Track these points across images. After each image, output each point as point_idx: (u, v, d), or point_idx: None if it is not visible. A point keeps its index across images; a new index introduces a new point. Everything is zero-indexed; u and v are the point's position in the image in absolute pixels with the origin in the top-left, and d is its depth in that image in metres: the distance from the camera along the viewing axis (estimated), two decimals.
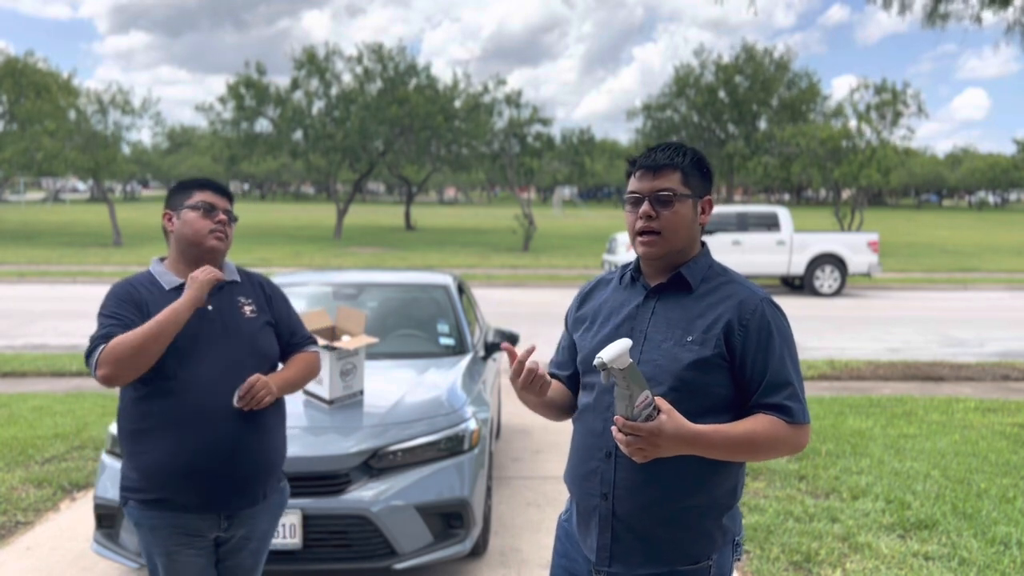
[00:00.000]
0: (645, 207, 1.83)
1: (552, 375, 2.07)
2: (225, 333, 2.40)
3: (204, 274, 2.34)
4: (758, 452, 1.77)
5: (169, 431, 2.32)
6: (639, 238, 1.86)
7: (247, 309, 2.48)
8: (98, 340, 2.27)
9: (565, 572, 1.99)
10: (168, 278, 2.44)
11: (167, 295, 2.39)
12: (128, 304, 2.34)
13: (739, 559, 1.93)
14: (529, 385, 1.81)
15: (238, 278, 2.55)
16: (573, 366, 2.04)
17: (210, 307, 2.41)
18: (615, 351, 1.57)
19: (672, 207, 1.83)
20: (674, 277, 1.87)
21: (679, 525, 1.81)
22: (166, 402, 2.31)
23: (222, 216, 2.44)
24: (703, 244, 1.95)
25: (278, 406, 2.53)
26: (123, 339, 2.23)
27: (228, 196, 2.51)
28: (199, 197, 2.43)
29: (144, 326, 2.25)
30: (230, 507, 2.41)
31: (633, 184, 1.88)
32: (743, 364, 1.78)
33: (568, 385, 2.07)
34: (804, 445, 1.81)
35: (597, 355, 1.58)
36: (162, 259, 2.51)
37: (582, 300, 2.06)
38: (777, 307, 1.85)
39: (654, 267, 1.90)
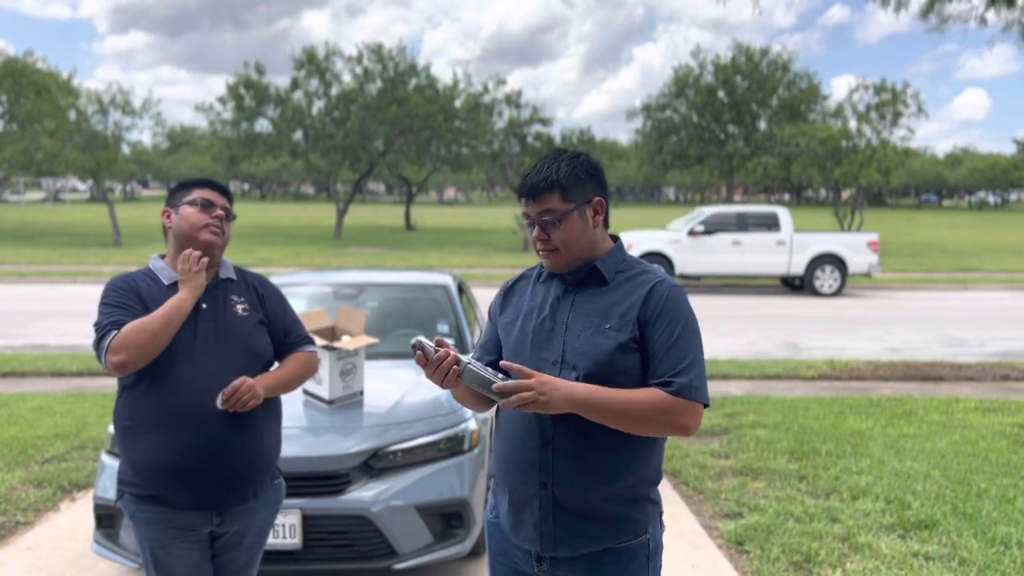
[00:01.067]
0: (536, 231, 1.96)
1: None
2: (217, 332, 2.42)
3: (191, 264, 2.37)
4: (637, 420, 1.83)
5: (160, 429, 2.34)
6: (541, 253, 1.98)
7: (239, 308, 2.49)
8: (108, 327, 2.30)
9: (506, 569, 2.05)
10: (167, 273, 2.47)
11: (166, 290, 2.42)
12: (130, 294, 2.38)
13: (664, 529, 2.04)
14: (447, 374, 1.86)
15: (233, 276, 2.56)
16: (496, 357, 2.09)
17: (204, 305, 2.43)
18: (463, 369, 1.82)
19: (558, 226, 1.93)
20: (590, 272, 1.97)
21: (617, 503, 1.91)
22: (157, 399, 2.33)
23: (219, 212, 2.46)
24: (615, 238, 2.06)
25: (271, 405, 2.54)
26: (135, 326, 2.28)
27: (227, 195, 2.53)
28: (198, 194, 2.47)
29: (155, 314, 2.31)
30: (220, 505, 2.42)
31: (524, 207, 1.99)
32: (647, 344, 1.88)
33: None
34: (691, 424, 1.85)
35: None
36: (161, 256, 2.54)
37: (505, 295, 2.14)
38: (683, 293, 1.94)
39: (562, 270, 2.01)
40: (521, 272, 2.18)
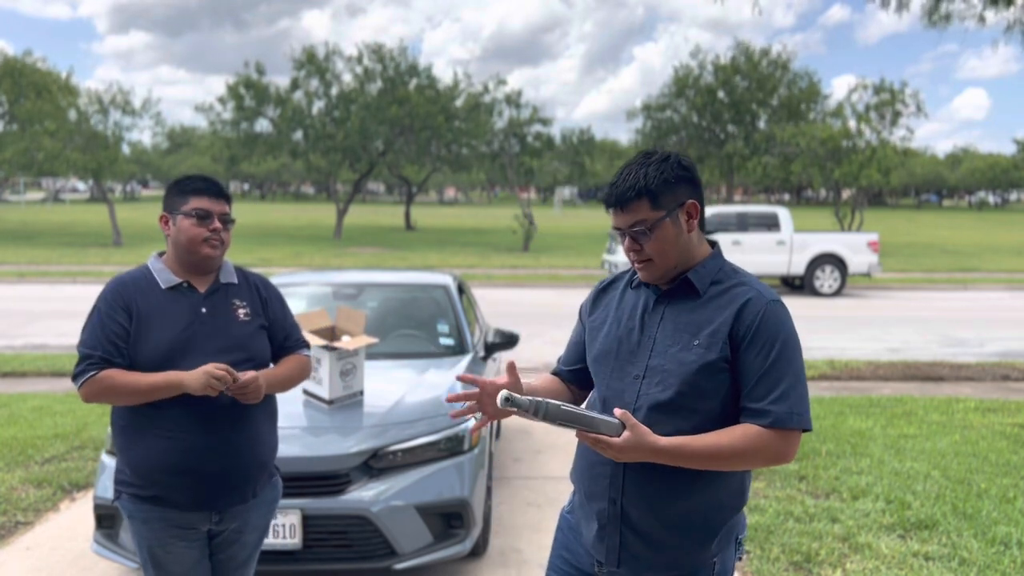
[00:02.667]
0: (627, 243, 1.85)
1: (556, 372, 2.11)
2: (217, 336, 2.41)
3: (218, 385, 2.29)
4: (726, 463, 1.74)
5: (159, 430, 2.34)
6: (636, 265, 1.88)
7: (241, 312, 2.49)
8: (88, 365, 2.32)
9: (566, 564, 2.00)
10: (165, 276, 2.44)
11: (162, 294, 2.41)
12: (119, 310, 2.36)
13: (740, 558, 1.94)
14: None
15: (235, 279, 2.54)
16: (579, 361, 2.05)
17: (204, 310, 2.42)
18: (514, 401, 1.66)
19: (650, 236, 1.81)
20: (682, 283, 1.86)
21: (686, 528, 1.81)
22: (158, 401, 2.32)
23: (216, 224, 2.42)
24: (714, 244, 1.93)
25: (268, 404, 2.54)
26: (115, 382, 2.29)
27: (225, 197, 2.48)
28: (194, 203, 2.40)
29: (141, 381, 2.29)
30: (219, 506, 2.42)
31: (612, 218, 1.87)
32: (740, 366, 1.76)
33: (570, 380, 2.09)
34: (789, 453, 1.75)
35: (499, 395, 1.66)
36: (161, 254, 2.51)
37: (597, 296, 2.05)
38: (783, 309, 1.81)
39: (658, 281, 1.90)
40: (615, 273, 2.07)
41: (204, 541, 2.46)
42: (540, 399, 1.67)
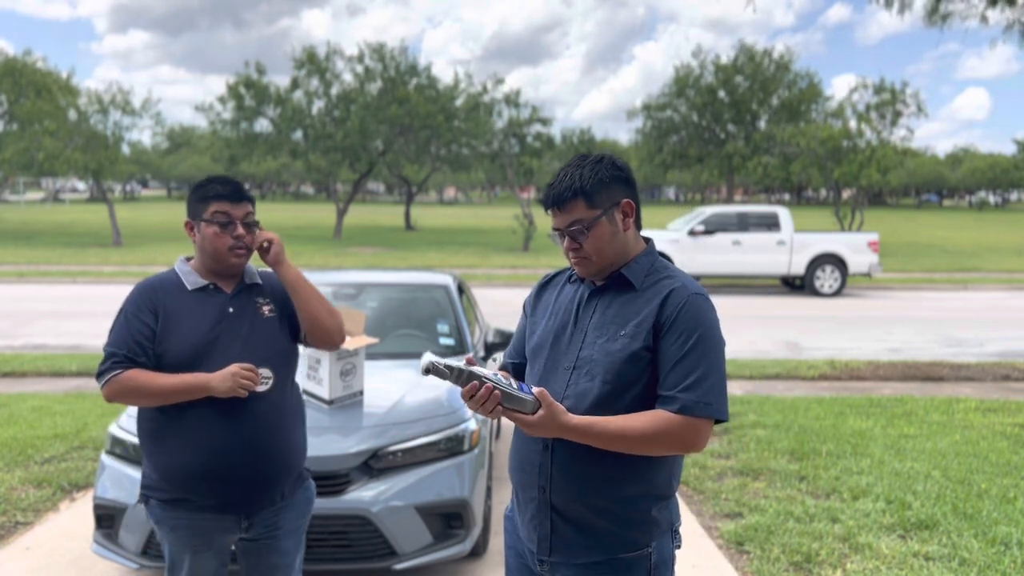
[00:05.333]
0: (567, 242, 1.91)
1: (503, 366, 2.14)
2: (243, 336, 2.41)
3: (244, 384, 2.30)
4: (636, 445, 1.77)
5: (187, 432, 2.34)
6: (573, 262, 1.94)
7: (265, 309, 2.49)
8: (113, 364, 2.31)
9: (518, 564, 2.04)
10: (192, 278, 2.45)
11: (189, 295, 2.42)
12: (145, 310, 2.37)
13: (679, 547, 1.97)
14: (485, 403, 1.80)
15: (259, 280, 2.55)
16: (523, 355, 2.09)
17: (231, 310, 2.43)
18: (425, 363, 1.70)
19: (587, 234, 1.87)
20: (616, 277, 1.92)
21: (615, 515, 1.85)
22: (184, 404, 2.32)
23: (239, 231, 2.41)
24: (648, 240, 1.98)
25: (297, 407, 2.54)
26: (138, 382, 2.29)
27: (246, 198, 2.45)
28: (214, 208, 2.39)
29: (164, 382, 2.28)
30: (248, 508, 2.41)
31: (552, 220, 1.93)
32: (658, 354, 1.81)
33: (515, 373, 2.12)
34: (697, 441, 1.78)
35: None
36: (188, 258, 2.52)
37: (539, 290, 2.11)
38: (706, 303, 1.85)
39: (595, 277, 1.95)
40: (559, 269, 2.14)
41: (227, 555, 2.45)
42: (463, 367, 1.71)
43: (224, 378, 2.27)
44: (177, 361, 2.33)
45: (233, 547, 2.51)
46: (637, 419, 1.77)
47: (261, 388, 2.36)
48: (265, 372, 2.38)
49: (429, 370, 1.70)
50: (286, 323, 2.52)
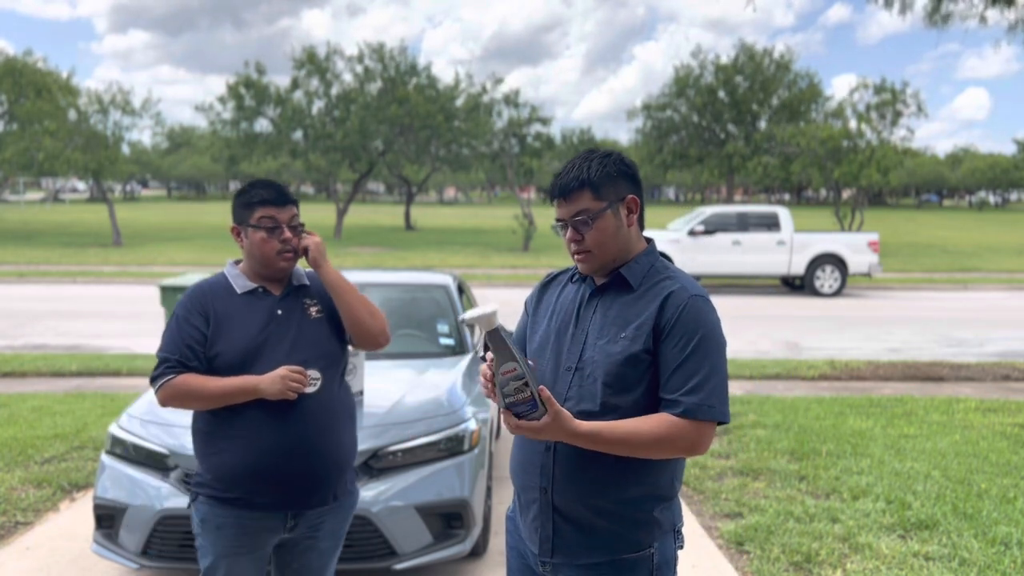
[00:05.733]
0: (569, 233, 1.90)
1: None
2: (292, 336, 2.44)
3: (294, 386, 2.33)
4: (641, 449, 1.77)
5: (240, 432, 2.36)
6: (575, 256, 1.93)
7: (313, 310, 2.51)
8: (167, 369, 2.35)
9: (520, 565, 2.04)
10: (241, 282, 2.48)
11: (239, 299, 2.45)
12: (196, 315, 2.41)
13: (681, 547, 1.97)
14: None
15: (306, 281, 2.57)
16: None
17: (279, 312, 2.45)
18: (478, 312, 1.69)
19: (591, 226, 1.87)
20: (615, 278, 1.91)
21: (617, 516, 1.85)
22: (235, 405, 2.34)
23: (286, 234, 2.43)
24: (649, 240, 1.98)
25: (346, 406, 2.56)
26: (190, 386, 2.33)
27: (292, 201, 2.47)
28: (261, 214, 2.42)
29: (216, 385, 2.32)
30: (299, 506, 2.43)
31: (556, 210, 1.93)
32: (659, 357, 1.81)
33: None
34: (701, 444, 1.78)
35: (463, 315, 1.66)
36: (237, 262, 2.55)
37: (542, 289, 2.10)
38: (707, 304, 1.85)
39: (596, 273, 1.95)
40: (561, 268, 2.13)
41: (265, 559, 2.47)
42: (525, 360, 1.69)
43: (273, 381, 2.31)
44: (228, 364, 2.36)
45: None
46: (642, 424, 1.77)
47: (309, 389, 2.38)
48: (313, 374, 2.40)
49: (491, 334, 1.68)
50: (334, 324, 2.54)
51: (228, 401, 2.33)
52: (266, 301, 2.46)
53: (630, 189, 1.91)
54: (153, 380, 2.38)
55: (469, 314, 1.70)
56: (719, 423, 1.80)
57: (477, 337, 5.19)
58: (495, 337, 1.68)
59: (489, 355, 1.74)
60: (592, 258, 1.90)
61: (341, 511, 2.56)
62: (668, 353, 1.79)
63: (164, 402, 2.37)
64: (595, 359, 1.84)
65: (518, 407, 1.71)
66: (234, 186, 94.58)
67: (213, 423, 2.39)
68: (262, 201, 2.42)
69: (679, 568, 1.99)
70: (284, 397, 2.32)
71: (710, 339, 1.81)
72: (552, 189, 1.92)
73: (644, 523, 1.87)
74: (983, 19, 8.86)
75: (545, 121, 31.02)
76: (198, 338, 2.38)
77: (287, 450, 2.36)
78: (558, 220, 1.93)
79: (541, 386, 1.73)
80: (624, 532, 1.86)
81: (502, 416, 1.75)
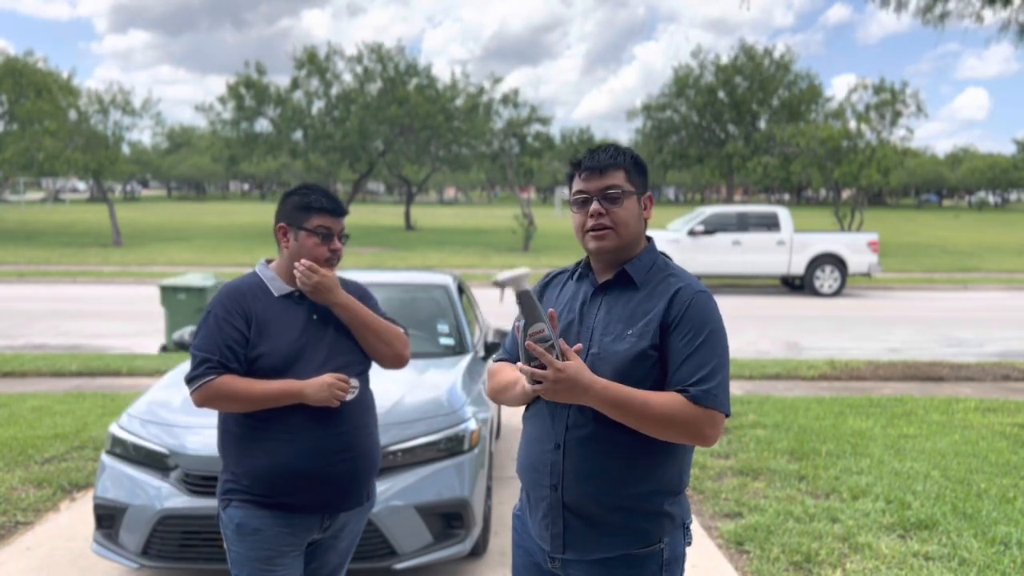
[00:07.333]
0: (595, 206, 1.91)
1: (500, 359, 2.14)
2: (328, 341, 2.45)
3: (311, 275, 2.36)
4: (653, 422, 1.78)
5: (278, 436, 2.36)
6: (591, 234, 1.92)
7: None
8: (207, 369, 2.32)
9: (526, 562, 2.05)
10: (277, 284, 2.46)
11: (276, 301, 2.43)
12: (236, 316, 2.38)
13: (690, 543, 2.00)
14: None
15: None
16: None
17: (315, 316, 2.45)
18: (511, 274, 1.77)
19: (620, 203, 1.90)
20: (619, 274, 1.94)
21: (628, 510, 1.87)
22: (274, 408, 2.34)
23: (337, 244, 2.45)
24: (649, 239, 2.02)
25: (373, 407, 2.58)
26: (232, 388, 2.31)
27: (345, 213, 2.49)
28: (318, 222, 2.42)
29: (264, 389, 2.31)
30: (339, 508, 2.43)
31: (579, 184, 1.94)
32: (667, 351, 1.84)
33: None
34: (710, 434, 1.80)
35: (495, 276, 1.78)
36: (268, 261, 2.53)
37: (544, 286, 2.11)
38: (711, 300, 1.88)
39: (604, 262, 1.96)
40: (561, 267, 2.15)
41: (301, 558, 2.46)
42: (550, 327, 1.75)
43: (320, 387, 2.32)
44: (271, 367, 2.35)
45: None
46: (659, 396, 1.79)
47: (350, 396, 2.41)
48: (353, 381, 2.42)
49: (521, 295, 1.75)
50: None
51: (270, 405, 2.32)
52: (302, 306, 2.45)
53: (647, 188, 1.99)
54: (192, 380, 2.33)
55: (502, 275, 1.78)
56: (724, 415, 1.83)
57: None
58: (525, 298, 1.75)
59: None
60: (611, 236, 1.90)
61: (363, 512, 2.58)
62: (676, 346, 1.82)
63: (201, 403, 2.34)
64: (601, 356, 1.86)
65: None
66: (235, 186, 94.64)
67: (248, 426, 2.37)
68: (321, 209, 2.43)
69: None
70: (328, 404, 2.33)
71: (718, 334, 1.86)
72: (587, 161, 1.93)
73: (655, 516, 1.89)
74: (979, 18, 8.87)
75: (545, 121, 31.05)
76: (239, 339, 2.36)
77: (333, 452, 2.38)
78: (580, 193, 1.93)
79: (561, 339, 1.78)
80: (635, 526, 1.88)
81: (524, 376, 1.79)
